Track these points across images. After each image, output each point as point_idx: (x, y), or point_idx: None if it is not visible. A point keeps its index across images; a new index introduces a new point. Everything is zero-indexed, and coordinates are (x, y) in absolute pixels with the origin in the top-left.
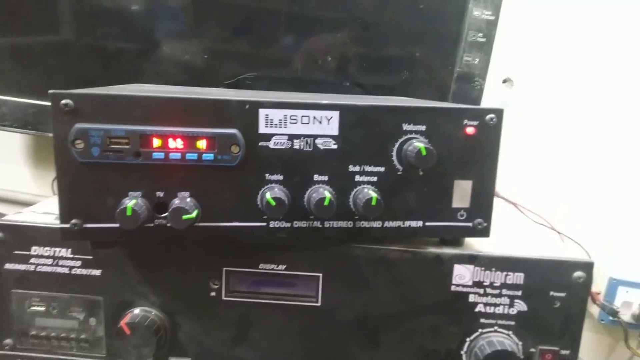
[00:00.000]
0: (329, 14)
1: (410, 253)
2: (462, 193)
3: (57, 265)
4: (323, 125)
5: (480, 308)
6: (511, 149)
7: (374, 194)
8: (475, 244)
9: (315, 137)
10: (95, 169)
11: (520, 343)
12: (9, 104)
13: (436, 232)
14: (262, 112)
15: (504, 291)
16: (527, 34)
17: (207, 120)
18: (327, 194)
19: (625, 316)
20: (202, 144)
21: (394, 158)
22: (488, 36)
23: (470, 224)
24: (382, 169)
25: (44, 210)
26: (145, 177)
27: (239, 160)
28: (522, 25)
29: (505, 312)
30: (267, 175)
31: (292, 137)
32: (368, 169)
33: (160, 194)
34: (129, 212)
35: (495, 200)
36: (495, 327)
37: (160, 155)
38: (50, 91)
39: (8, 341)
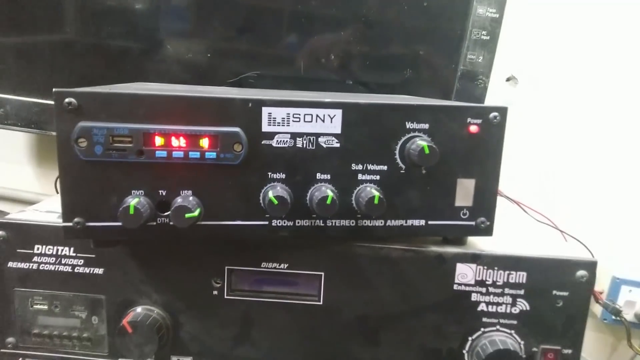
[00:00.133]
0: (332, 12)
1: (413, 252)
2: (465, 192)
3: (59, 263)
4: (326, 124)
5: (482, 307)
6: (514, 148)
7: (376, 193)
8: (478, 243)
9: (318, 135)
10: (98, 168)
11: (522, 342)
12: (12, 102)
13: (439, 230)
14: (265, 111)
15: (507, 290)
16: (532, 32)
17: (209, 118)
18: (329, 192)
19: (628, 315)
20: (204, 142)
21: (397, 156)
22: (492, 34)
23: (473, 223)
24: (384, 168)
25: (47, 208)
26: (147, 175)
27: (241, 159)
28: (526, 23)
29: (508, 311)
30: (269, 173)
31: (294, 135)
32: (371, 167)
33: (162, 192)
34: (131, 211)
35: (498, 199)
36: (498, 326)
37: (163, 153)
38: (54, 90)
39: (11, 340)
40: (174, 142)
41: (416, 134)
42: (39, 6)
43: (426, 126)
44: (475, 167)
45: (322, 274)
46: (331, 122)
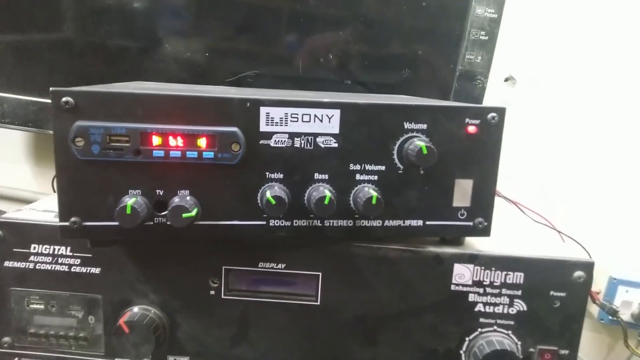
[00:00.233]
0: (331, 11)
1: (410, 252)
2: (462, 192)
3: (56, 263)
4: (324, 124)
5: (479, 307)
6: (512, 148)
7: (374, 193)
8: (476, 243)
9: (316, 135)
10: (95, 167)
11: (519, 343)
12: (10, 101)
13: (436, 231)
14: (263, 110)
15: (504, 291)
16: (530, 32)
17: (207, 118)
18: (327, 192)
19: (625, 316)
20: (202, 142)
21: (395, 157)
22: (491, 34)
23: (470, 223)
24: (382, 168)
25: (44, 208)
26: (145, 175)
27: (239, 159)
28: (525, 24)
29: (505, 311)
30: (267, 173)
31: (292, 135)
32: (369, 167)
33: (160, 192)
34: (128, 211)
35: (496, 199)
36: (495, 327)
37: (161, 153)
38: (51, 89)
39: (7, 339)
40: (172, 141)
41: (414, 134)
42: (37, 4)
43: (424, 126)
44: (473, 167)
45: (320, 274)
46: (329, 122)
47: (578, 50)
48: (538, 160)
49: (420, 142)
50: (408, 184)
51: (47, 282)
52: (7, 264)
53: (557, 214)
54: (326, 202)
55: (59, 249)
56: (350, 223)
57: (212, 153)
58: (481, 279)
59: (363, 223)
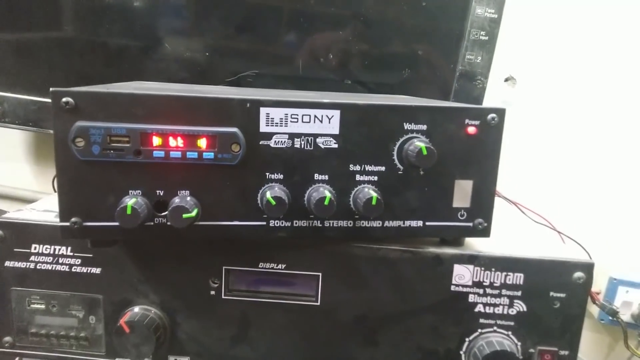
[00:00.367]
0: (331, 11)
1: (410, 253)
2: (462, 193)
3: (57, 263)
4: (324, 124)
5: (479, 308)
6: (513, 148)
7: (374, 194)
8: (476, 244)
9: (316, 136)
10: (96, 167)
11: (519, 343)
12: (10, 100)
13: (436, 232)
14: (263, 111)
15: (504, 291)
16: (530, 32)
17: (207, 118)
18: (327, 193)
19: (625, 316)
20: (202, 142)
21: (395, 157)
22: (491, 34)
23: (470, 224)
24: (382, 169)
25: (45, 207)
26: (145, 175)
27: (239, 159)
28: (525, 24)
29: (505, 312)
30: (267, 174)
31: (292, 136)
32: (368, 168)
33: (160, 192)
34: (129, 211)
35: (496, 199)
36: (495, 328)
37: (161, 153)
38: (52, 89)
39: (8, 339)
40: (172, 142)
41: (414, 135)
42: (36, 3)
43: (424, 127)
44: (473, 168)
45: (320, 274)
46: (329, 122)
47: (578, 50)
48: (538, 161)
49: (420, 143)
50: (408, 184)
51: (48, 282)
52: (7, 263)
53: (557, 215)
54: (326, 202)
55: (59, 249)
56: (350, 224)
57: (212, 153)
58: (481, 280)
59: (363, 224)
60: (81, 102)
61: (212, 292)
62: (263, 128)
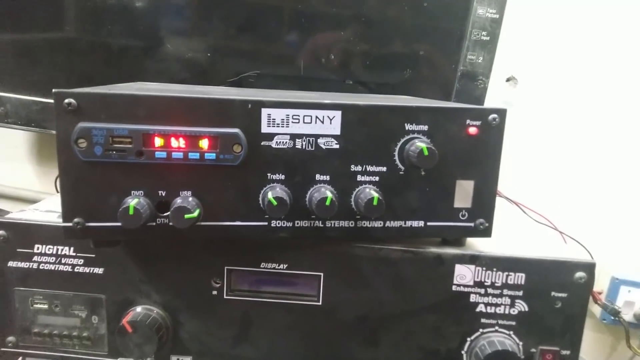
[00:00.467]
0: (333, 11)
1: (412, 253)
2: (464, 193)
3: (59, 263)
4: (325, 125)
5: (481, 308)
6: (514, 148)
7: (375, 194)
8: (477, 244)
9: (317, 136)
10: (98, 168)
11: (520, 343)
12: (12, 101)
13: (438, 232)
14: (265, 112)
15: (505, 291)
16: (532, 32)
17: (209, 119)
18: (328, 193)
19: (627, 316)
20: (204, 143)
21: (396, 158)
22: (492, 35)
23: (472, 224)
24: (384, 169)
25: (47, 208)
26: (147, 176)
27: (241, 160)
28: (526, 24)
29: (506, 312)
30: (269, 174)
31: (294, 136)
32: (370, 168)
33: (162, 193)
34: (131, 211)
35: (498, 200)
36: (496, 327)
37: (163, 154)
38: (54, 90)
39: (11, 339)
40: (174, 142)
41: (415, 135)
42: (39, 4)
43: (425, 128)
44: (474, 168)
45: (321, 274)
46: (330, 123)
47: (580, 50)
48: (539, 161)
49: (421, 144)
50: (409, 185)
51: (51, 282)
52: (11, 264)
53: (559, 215)
54: (327, 203)
55: (62, 249)
56: (352, 224)
57: (214, 154)
58: (482, 280)
59: (364, 224)
60: (83, 103)
61: (214, 292)
62: (264, 129)
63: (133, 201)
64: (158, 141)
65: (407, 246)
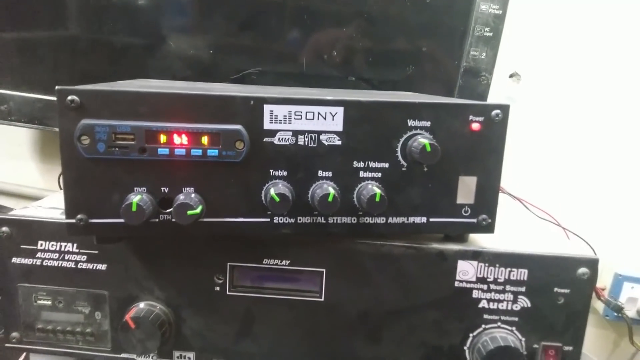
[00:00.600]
0: (335, 8)
1: (414, 249)
2: (466, 189)
3: (63, 259)
4: (327, 121)
5: (483, 304)
6: (517, 144)
7: (378, 190)
8: (480, 240)
9: (319, 133)
10: (101, 165)
11: (523, 339)
12: (16, 99)
13: (440, 228)
14: (267, 108)
15: (508, 287)
16: (535, 28)
17: (211, 116)
18: (331, 190)
19: (630, 312)
20: (206, 140)
21: (399, 154)
22: (495, 30)
23: (474, 220)
24: (386, 165)
25: (51, 205)
26: (150, 172)
27: (243, 156)
28: (529, 20)
29: (509, 308)
30: (271, 171)
31: (296, 133)
32: (372, 165)
33: (165, 189)
34: (134, 208)
35: (500, 196)
36: (499, 323)
37: (165, 151)
38: (57, 87)
39: (15, 334)
40: (176, 139)
41: (418, 131)
42: (41, 2)
43: (428, 124)
44: (477, 164)
45: (324, 270)
46: (333, 119)
47: (583, 45)
48: (542, 157)
49: (423, 140)
50: (412, 181)
51: (54, 279)
52: (14, 260)
53: (562, 211)
54: (330, 199)
55: (65, 246)
56: (354, 220)
57: (217, 151)
58: (485, 276)
59: (367, 220)
60: (86, 100)
61: (217, 288)
62: (267, 125)
63: (136, 197)
64: (161, 138)
65: (410, 242)
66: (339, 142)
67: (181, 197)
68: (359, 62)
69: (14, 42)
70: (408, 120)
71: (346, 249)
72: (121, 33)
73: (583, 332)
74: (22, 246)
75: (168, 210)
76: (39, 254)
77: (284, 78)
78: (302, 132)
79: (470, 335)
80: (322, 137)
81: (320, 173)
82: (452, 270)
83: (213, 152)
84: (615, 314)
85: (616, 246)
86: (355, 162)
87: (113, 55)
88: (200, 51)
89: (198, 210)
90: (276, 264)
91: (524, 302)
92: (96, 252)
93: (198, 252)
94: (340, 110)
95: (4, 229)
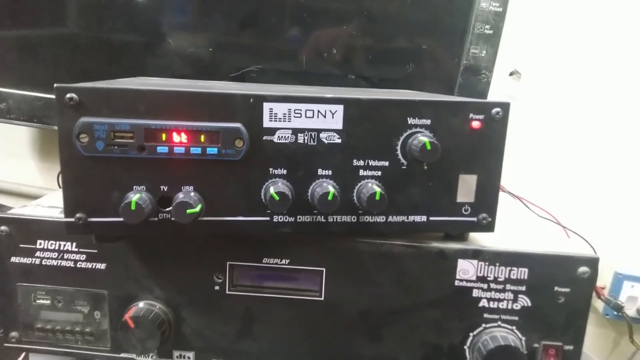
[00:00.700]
0: (335, 5)
1: (414, 248)
2: (466, 188)
3: (62, 258)
4: (327, 119)
5: (484, 303)
6: (517, 143)
7: (377, 189)
8: (480, 239)
9: (319, 131)
10: (100, 163)
11: (523, 338)
12: (15, 97)
13: (440, 226)
14: (267, 106)
15: (508, 286)
16: (535, 26)
17: (211, 114)
18: (330, 188)
19: (630, 311)
20: (206, 138)
21: (399, 152)
22: (495, 28)
23: (474, 219)
24: (386, 164)
25: (50, 204)
26: (149, 171)
27: (242, 155)
28: (530, 17)
29: (509, 307)
30: (271, 169)
31: (296, 131)
32: (372, 163)
33: (164, 188)
34: (133, 206)
35: (501, 194)
36: (499, 322)
37: (165, 149)
38: (56, 85)
39: (14, 334)
40: (175, 137)
41: (418, 129)
42: (41, 0)
43: (428, 122)
44: (477, 163)
45: (324, 269)
46: (332, 117)
47: (584, 43)
48: (543, 155)
49: (423, 138)
50: (412, 179)
51: (53, 278)
52: (13, 259)
53: (562, 209)
54: (330, 197)
55: (64, 245)
56: (354, 219)
57: (216, 149)
58: (485, 275)
59: (367, 219)
60: (85, 98)
61: (217, 288)
62: (266, 123)
63: (135, 196)
64: (160, 136)
65: (410, 241)
66: (339, 141)
67: (180, 195)
68: (359, 60)
69: (13, 40)
70: (408, 119)
71: (346, 248)
72: (120, 31)
73: (583, 331)
74: (21, 245)
75: (167, 209)
76: (38, 253)
77: (284, 76)
78: (302, 130)
79: (471, 334)
80: (322, 135)
81: (320, 171)
82: (452, 269)
83: (212, 150)
84: (615, 312)
85: (616, 245)
86: (355, 161)
87: (112, 53)
88: (199, 49)
89: (197, 209)
90: (276, 263)
91: (524, 301)
92: (95, 251)
93: (197, 251)
94: (340, 109)
95: (3, 228)
